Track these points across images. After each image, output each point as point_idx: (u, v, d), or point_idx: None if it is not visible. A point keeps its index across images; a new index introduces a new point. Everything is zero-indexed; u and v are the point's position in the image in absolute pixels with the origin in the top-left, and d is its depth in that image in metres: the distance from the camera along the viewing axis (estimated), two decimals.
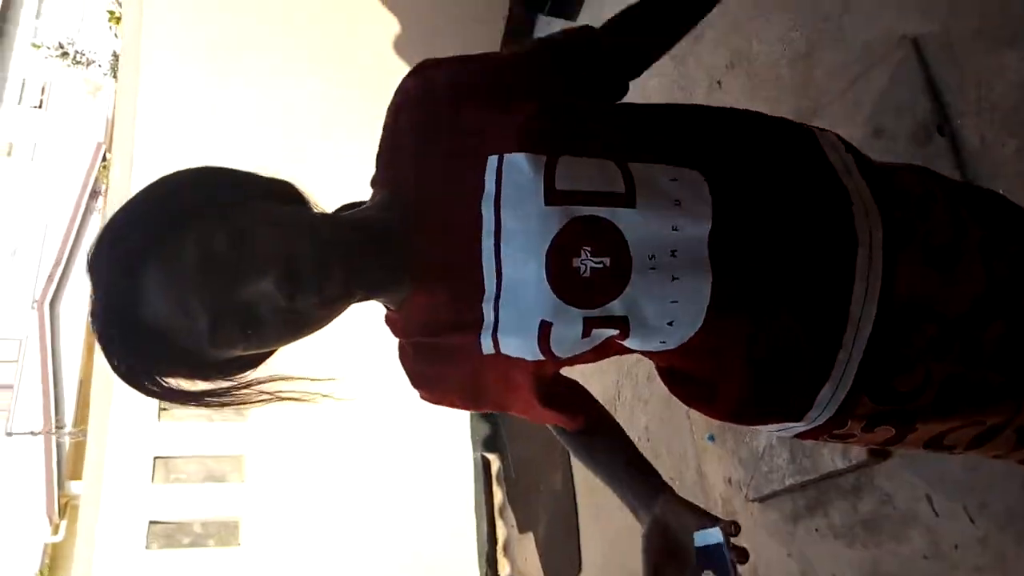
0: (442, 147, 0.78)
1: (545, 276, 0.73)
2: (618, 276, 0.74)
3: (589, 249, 0.73)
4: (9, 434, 11.82)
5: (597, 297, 0.74)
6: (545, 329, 0.75)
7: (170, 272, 0.69)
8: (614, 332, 0.75)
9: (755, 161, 0.81)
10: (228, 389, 0.77)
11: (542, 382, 0.82)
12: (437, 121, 0.79)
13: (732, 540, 0.75)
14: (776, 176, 0.80)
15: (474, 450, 5.90)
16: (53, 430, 11.25)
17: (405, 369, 0.85)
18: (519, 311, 0.75)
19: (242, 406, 0.78)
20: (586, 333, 0.75)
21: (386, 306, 0.83)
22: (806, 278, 0.77)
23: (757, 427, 0.90)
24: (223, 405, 0.77)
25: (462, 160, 0.77)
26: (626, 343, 0.77)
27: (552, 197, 0.74)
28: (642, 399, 3.18)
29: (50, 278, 12.45)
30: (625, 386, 3.32)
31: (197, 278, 0.68)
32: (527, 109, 0.78)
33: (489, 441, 5.73)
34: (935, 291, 0.79)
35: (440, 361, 0.82)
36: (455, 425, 5.91)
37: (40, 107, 13.72)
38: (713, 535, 0.75)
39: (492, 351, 0.77)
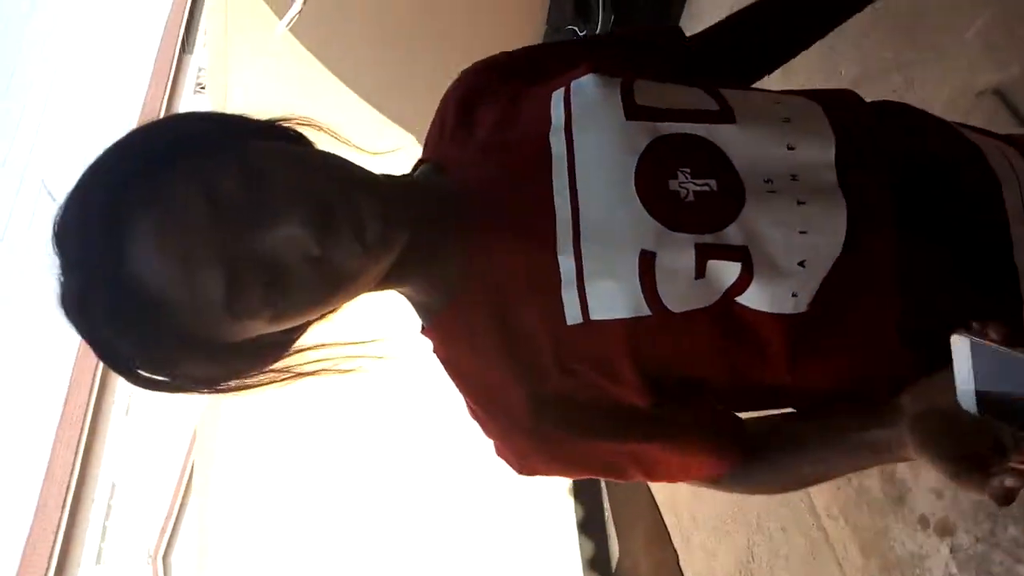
0: (500, 105, 0.68)
1: (639, 200, 0.59)
2: (730, 198, 0.59)
3: (687, 171, 0.60)
4: None
5: (708, 219, 0.59)
6: (647, 262, 0.58)
7: (168, 221, 0.54)
8: (734, 271, 0.59)
9: (867, 107, 0.70)
10: (250, 370, 0.61)
11: (647, 369, 0.63)
12: (496, 87, 0.70)
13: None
14: (893, 119, 0.70)
15: None
16: None
17: (487, 431, 0.67)
18: (610, 247, 0.60)
19: (268, 386, 0.63)
20: (700, 269, 0.59)
21: (430, 315, 0.68)
22: (953, 217, 0.64)
23: None
24: (242, 389, 0.62)
25: (522, 107, 0.66)
26: (749, 298, 0.60)
27: (633, 112, 0.62)
28: (781, 555, 2.79)
29: (163, 530, 12.58)
30: (758, 544, 2.93)
31: (204, 226, 0.54)
32: (595, 57, 0.69)
33: None
34: None
35: (509, 378, 0.64)
36: None
37: None
38: (959, 356, 0.52)
39: (579, 317, 0.60)
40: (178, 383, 0.60)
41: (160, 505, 12.92)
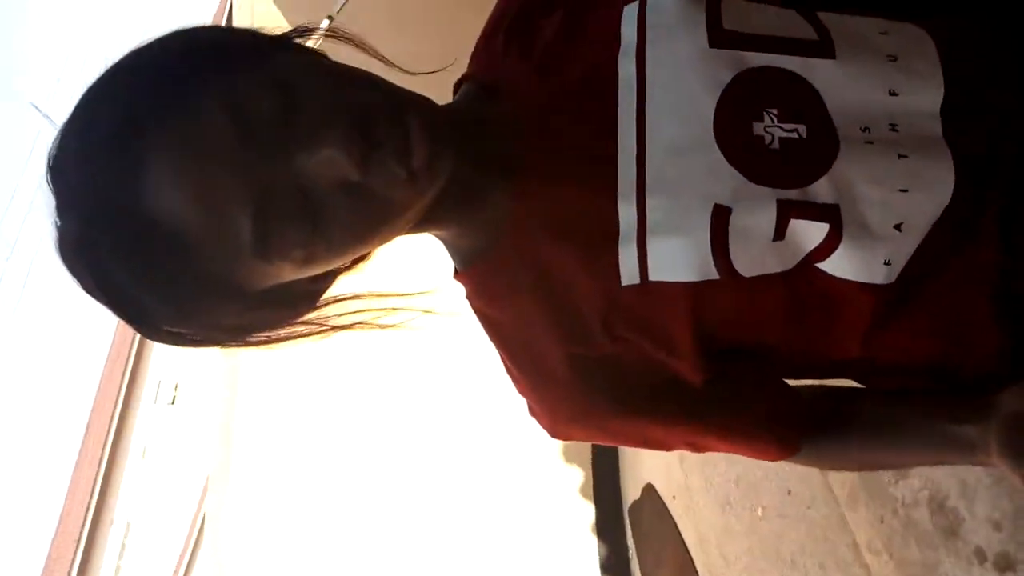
0: (561, 18, 0.60)
1: (716, 144, 0.52)
2: (822, 147, 0.52)
3: (775, 112, 0.52)
4: None
5: (794, 173, 0.52)
6: (721, 220, 0.51)
7: (187, 146, 0.47)
8: (820, 233, 0.52)
9: (988, 35, 0.61)
10: (280, 321, 0.55)
11: (706, 340, 0.55)
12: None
13: None
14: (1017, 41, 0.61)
15: None
16: None
17: (520, 389, 0.61)
18: (680, 198, 0.52)
19: (300, 339, 0.56)
20: (780, 230, 0.51)
21: (466, 260, 0.61)
22: None
23: None
24: (273, 342, 0.55)
25: (587, 21, 0.58)
26: (834, 264, 0.53)
27: (718, 37, 0.54)
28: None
29: (175, 571, 12.44)
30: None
31: (231, 151, 0.46)
32: None
33: None
34: None
35: (550, 337, 0.57)
36: None
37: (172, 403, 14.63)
38: None
39: (636, 278, 0.53)
40: (202, 336, 0.53)
41: (173, 546, 12.80)
